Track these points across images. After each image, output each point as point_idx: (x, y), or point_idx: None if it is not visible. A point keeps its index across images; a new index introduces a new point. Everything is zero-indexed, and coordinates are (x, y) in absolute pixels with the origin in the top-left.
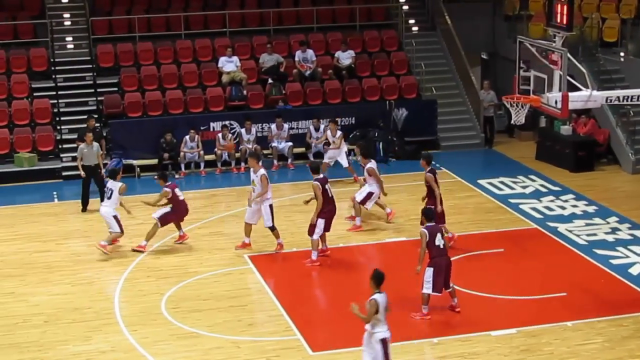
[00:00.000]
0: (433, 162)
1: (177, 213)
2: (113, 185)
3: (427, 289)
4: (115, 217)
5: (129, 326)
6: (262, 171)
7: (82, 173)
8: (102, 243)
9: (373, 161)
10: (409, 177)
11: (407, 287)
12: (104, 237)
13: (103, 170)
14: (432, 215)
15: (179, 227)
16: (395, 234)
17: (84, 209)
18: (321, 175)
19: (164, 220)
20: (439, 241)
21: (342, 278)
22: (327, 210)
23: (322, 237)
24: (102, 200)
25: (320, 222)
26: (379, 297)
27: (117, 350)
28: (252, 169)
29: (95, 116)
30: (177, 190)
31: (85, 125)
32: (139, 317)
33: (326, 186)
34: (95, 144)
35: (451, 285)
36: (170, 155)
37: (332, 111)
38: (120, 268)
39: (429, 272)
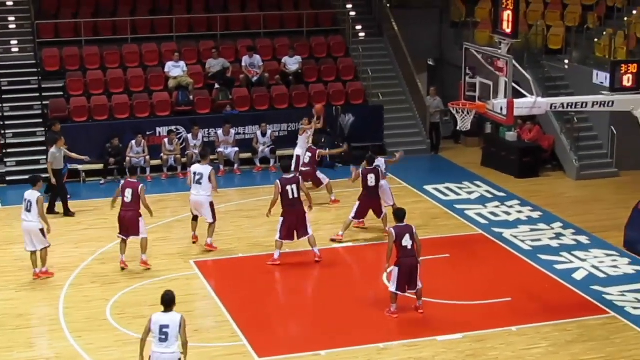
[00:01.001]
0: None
1: None
2: (31, 195)
3: (392, 287)
4: (42, 230)
5: (73, 332)
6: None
7: (54, 180)
8: (43, 270)
9: None
10: (355, 183)
11: (355, 291)
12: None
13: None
14: (403, 215)
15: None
16: (345, 239)
17: (52, 211)
18: (290, 175)
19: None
20: (406, 242)
21: (288, 283)
22: (285, 211)
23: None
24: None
25: (280, 221)
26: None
27: (62, 357)
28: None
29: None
30: None
31: (51, 130)
32: (84, 323)
33: (288, 187)
34: (64, 148)
35: (419, 286)
36: (116, 160)
37: (279, 116)
38: (65, 274)
39: (394, 271)
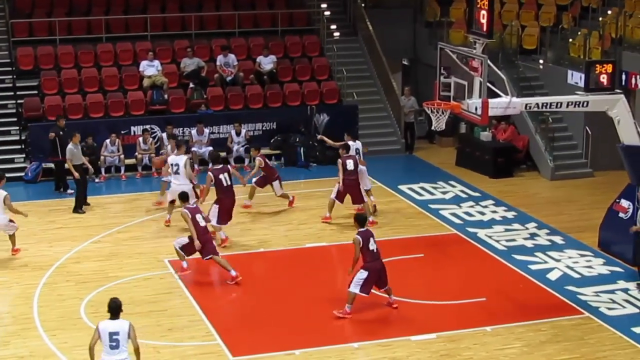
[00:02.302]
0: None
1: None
2: None
3: (355, 288)
4: (11, 220)
5: (48, 331)
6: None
7: (76, 174)
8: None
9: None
10: (329, 183)
11: (327, 291)
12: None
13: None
14: (364, 220)
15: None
16: (316, 239)
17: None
18: (219, 166)
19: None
20: (372, 245)
21: (262, 283)
22: (220, 198)
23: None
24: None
25: (214, 209)
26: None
27: (36, 356)
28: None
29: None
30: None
31: (57, 124)
32: (58, 322)
33: (221, 176)
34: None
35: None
36: (91, 159)
37: (253, 116)
38: (39, 272)
39: (362, 274)
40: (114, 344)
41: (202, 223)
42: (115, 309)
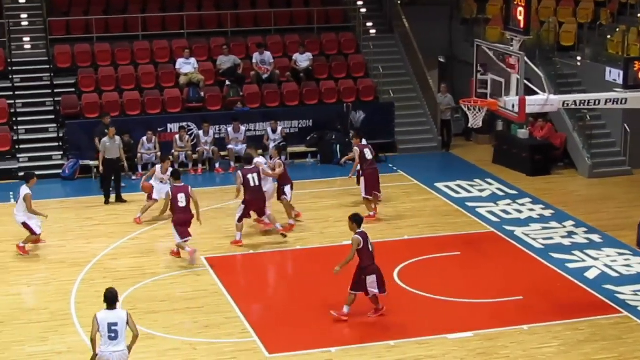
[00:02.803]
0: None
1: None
2: (23, 190)
3: (373, 290)
4: (24, 223)
5: (85, 327)
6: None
7: (102, 168)
8: (19, 244)
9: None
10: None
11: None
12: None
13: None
14: (362, 220)
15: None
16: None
17: (107, 202)
18: (250, 167)
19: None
20: (371, 247)
21: (298, 280)
22: (248, 198)
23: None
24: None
25: (240, 208)
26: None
27: (73, 351)
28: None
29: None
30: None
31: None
32: None
33: (249, 175)
34: (118, 138)
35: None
36: (128, 156)
37: (289, 113)
38: (77, 269)
39: (371, 278)
40: (112, 334)
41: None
42: (111, 299)
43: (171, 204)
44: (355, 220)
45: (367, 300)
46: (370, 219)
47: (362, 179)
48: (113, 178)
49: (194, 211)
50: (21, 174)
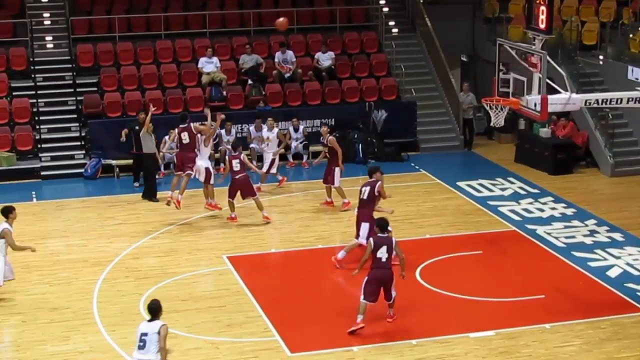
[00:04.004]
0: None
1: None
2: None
3: (362, 297)
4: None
5: (107, 326)
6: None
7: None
8: None
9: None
10: (388, 179)
11: None
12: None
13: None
14: (383, 226)
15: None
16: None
17: (154, 198)
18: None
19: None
20: (380, 254)
21: (320, 279)
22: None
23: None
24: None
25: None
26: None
27: (96, 351)
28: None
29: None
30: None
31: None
32: (117, 318)
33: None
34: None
35: (392, 295)
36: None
37: (311, 112)
38: (99, 268)
39: (365, 281)
40: (141, 344)
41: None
42: (152, 310)
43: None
44: (377, 224)
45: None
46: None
47: (337, 170)
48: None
49: None
50: (43, 172)
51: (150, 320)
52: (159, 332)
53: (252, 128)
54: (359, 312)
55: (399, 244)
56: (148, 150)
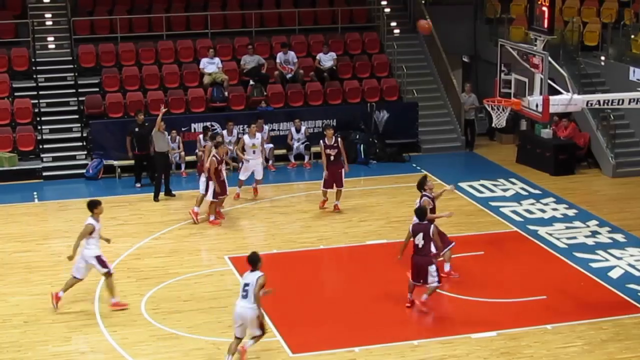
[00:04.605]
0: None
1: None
2: None
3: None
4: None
5: (109, 327)
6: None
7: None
8: None
9: None
10: (389, 180)
11: (388, 288)
12: None
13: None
14: (421, 214)
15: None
16: (377, 237)
17: (157, 198)
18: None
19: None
20: (418, 240)
21: (322, 280)
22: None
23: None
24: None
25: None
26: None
27: (97, 351)
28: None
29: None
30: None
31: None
32: (119, 318)
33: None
34: (166, 133)
35: (429, 283)
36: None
37: (313, 113)
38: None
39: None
40: (244, 293)
41: None
42: (252, 262)
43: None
44: (415, 212)
45: (390, 297)
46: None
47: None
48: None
49: None
50: (45, 173)
51: (251, 270)
52: (257, 282)
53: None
54: (408, 291)
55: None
56: (160, 150)
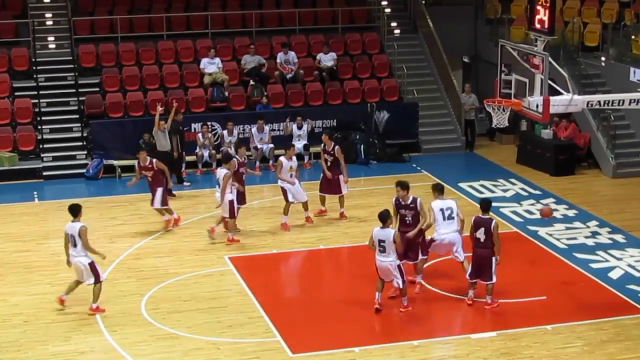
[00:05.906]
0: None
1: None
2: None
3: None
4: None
5: (108, 327)
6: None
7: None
8: None
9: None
10: (389, 180)
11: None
12: None
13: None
14: (485, 206)
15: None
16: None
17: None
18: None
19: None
20: (479, 234)
21: (322, 280)
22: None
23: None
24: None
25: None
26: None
27: (97, 351)
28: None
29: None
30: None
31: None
32: (119, 318)
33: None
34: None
35: (492, 280)
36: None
37: (313, 113)
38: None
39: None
40: (381, 249)
41: None
42: (381, 218)
43: None
44: (480, 204)
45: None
46: (323, 213)
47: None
48: None
49: None
50: (45, 173)
51: (382, 227)
52: (392, 238)
53: (254, 130)
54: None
55: (497, 228)
56: (161, 149)
